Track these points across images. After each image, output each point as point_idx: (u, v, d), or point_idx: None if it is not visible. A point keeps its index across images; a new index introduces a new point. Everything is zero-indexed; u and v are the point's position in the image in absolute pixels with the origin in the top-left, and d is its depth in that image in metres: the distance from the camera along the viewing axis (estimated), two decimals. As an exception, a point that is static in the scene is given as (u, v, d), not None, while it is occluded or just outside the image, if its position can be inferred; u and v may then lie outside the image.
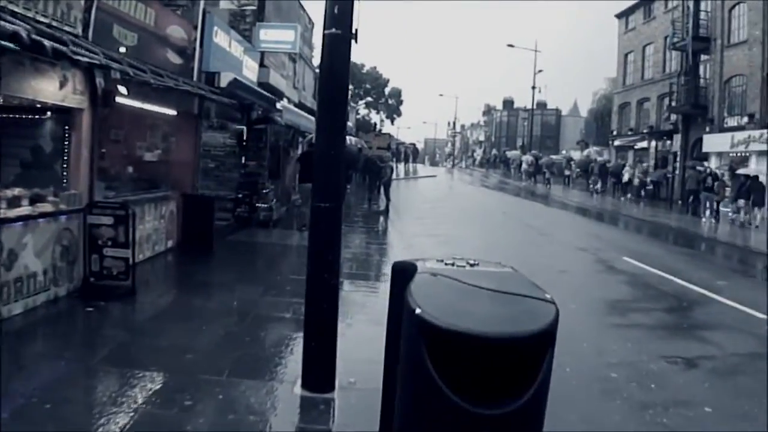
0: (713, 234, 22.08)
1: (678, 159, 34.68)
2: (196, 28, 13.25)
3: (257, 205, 16.39)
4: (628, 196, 36.08)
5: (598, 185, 39.04)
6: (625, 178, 37.01)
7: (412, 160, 56.58)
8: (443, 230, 18.03)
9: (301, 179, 16.18)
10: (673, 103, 36.14)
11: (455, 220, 21.05)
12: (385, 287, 6.04)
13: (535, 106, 58.06)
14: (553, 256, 14.86)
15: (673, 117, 37.17)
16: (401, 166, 50.32)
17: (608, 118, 55.67)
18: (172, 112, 11.99)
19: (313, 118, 17.08)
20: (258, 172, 17.05)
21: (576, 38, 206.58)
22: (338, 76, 5.64)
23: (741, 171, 26.92)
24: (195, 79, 13.09)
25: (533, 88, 54.31)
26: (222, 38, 14.58)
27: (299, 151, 22.36)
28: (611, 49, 46.83)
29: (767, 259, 16.27)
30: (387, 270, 10.44)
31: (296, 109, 21.07)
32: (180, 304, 8.90)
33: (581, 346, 7.53)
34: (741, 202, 24.88)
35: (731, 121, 31.87)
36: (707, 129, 33.01)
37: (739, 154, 30.39)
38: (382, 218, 19.40)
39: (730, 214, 25.77)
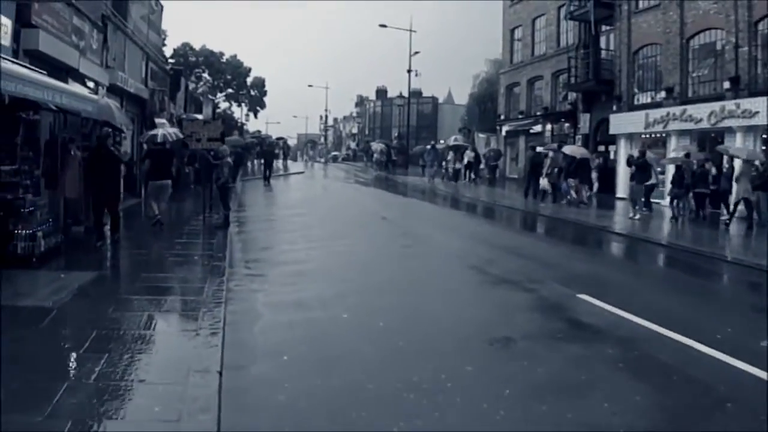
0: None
1: (590, 141, 30.34)
2: None
3: (16, 231, 10.10)
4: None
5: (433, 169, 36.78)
6: (465, 161, 36.78)
7: (284, 157, 50.30)
8: (302, 254, 12.83)
9: (152, 177, 15.12)
10: (572, 81, 31.86)
11: (319, 236, 15.69)
12: None
13: (410, 92, 52.91)
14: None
15: (572, 96, 32.99)
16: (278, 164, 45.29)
17: (492, 102, 51.78)
18: None
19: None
20: (13, 181, 10.64)
21: (453, 18, 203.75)
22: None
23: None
24: None
25: (409, 71, 49.19)
26: None
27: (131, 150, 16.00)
28: (493, 26, 42.40)
29: None
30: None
31: (78, 92, 14.46)
32: None
33: None
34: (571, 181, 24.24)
35: (643, 98, 27.80)
36: (614, 108, 28.83)
37: (655, 135, 26.32)
38: (211, 240, 13.46)
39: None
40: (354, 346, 6.93)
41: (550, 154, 26.34)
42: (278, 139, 54.66)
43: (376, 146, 51.98)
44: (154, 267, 10.78)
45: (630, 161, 20.99)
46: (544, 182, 25.81)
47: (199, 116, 29.22)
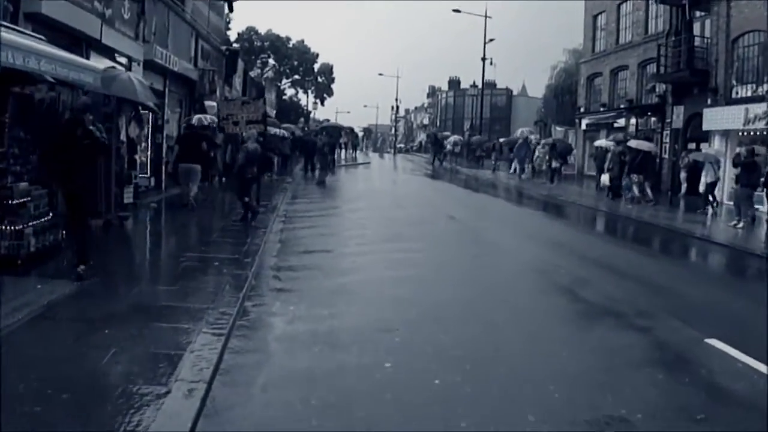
0: None
1: (679, 137, 27.39)
2: None
3: (1, 227, 8.51)
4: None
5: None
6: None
7: (351, 147, 48.65)
8: (349, 262, 10.87)
9: (181, 160, 15.20)
10: (661, 71, 28.86)
11: (373, 238, 13.82)
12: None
13: (484, 82, 50.42)
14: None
15: (660, 87, 29.96)
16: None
17: (569, 95, 48.80)
18: None
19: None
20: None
21: (530, 4, 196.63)
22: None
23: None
24: None
25: (483, 59, 46.78)
26: None
27: (135, 130, 14.45)
28: (574, 13, 39.51)
29: None
30: None
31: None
32: None
33: None
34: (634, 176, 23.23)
35: (742, 91, 24.71)
36: (708, 101, 25.80)
37: (755, 133, 23.27)
38: (244, 240, 11.55)
39: None
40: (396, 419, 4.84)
41: (611, 147, 25.52)
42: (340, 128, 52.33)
43: (451, 138, 50.38)
44: (159, 275, 9.15)
45: (736, 161, 18.13)
46: (604, 178, 25.14)
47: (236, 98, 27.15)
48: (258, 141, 18.68)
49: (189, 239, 12.41)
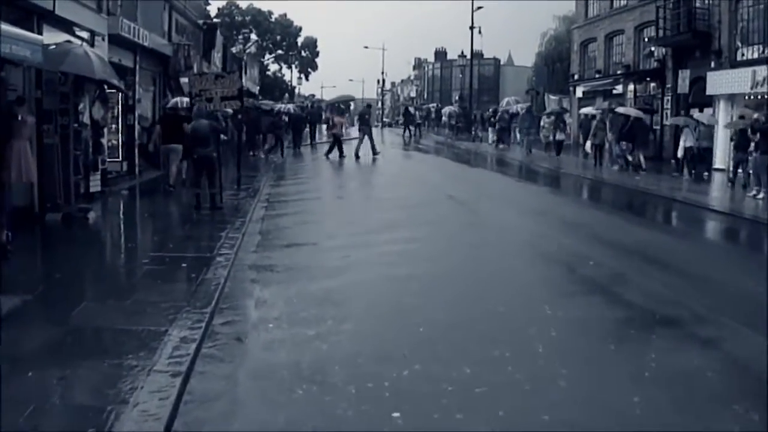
0: None
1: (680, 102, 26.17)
2: None
3: None
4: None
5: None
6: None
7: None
8: (338, 259, 9.25)
9: (163, 141, 15.54)
10: (660, 34, 27.55)
11: (365, 226, 12.35)
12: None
13: (473, 51, 48.93)
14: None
15: (659, 52, 28.68)
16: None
17: (560, 63, 47.63)
18: None
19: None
20: None
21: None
22: None
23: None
24: None
25: (471, 28, 45.25)
26: None
27: (100, 112, 13.18)
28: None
29: None
30: None
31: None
32: None
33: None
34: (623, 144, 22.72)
35: (748, 53, 23.45)
36: (712, 65, 24.54)
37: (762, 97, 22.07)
38: (221, 229, 10.36)
39: None
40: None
41: (597, 115, 25.44)
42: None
43: (446, 109, 49.51)
44: (112, 285, 7.56)
45: (755, 127, 16.88)
46: (587, 145, 24.86)
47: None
48: (236, 118, 17.32)
49: (156, 234, 11.11)
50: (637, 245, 10.47)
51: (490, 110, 41.61)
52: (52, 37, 11.79)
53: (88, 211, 11.31)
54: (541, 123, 30.27)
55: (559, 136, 28.45)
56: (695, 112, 25.22)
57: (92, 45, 13.93)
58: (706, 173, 21.49)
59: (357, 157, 24.69)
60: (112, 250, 9.92)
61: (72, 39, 11.88)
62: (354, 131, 30.60)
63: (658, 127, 28.07)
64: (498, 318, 6.67)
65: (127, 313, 6.28)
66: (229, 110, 16.17)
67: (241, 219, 11.52)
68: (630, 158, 22.61)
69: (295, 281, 8.00)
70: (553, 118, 29.23)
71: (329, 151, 25.45)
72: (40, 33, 11.45)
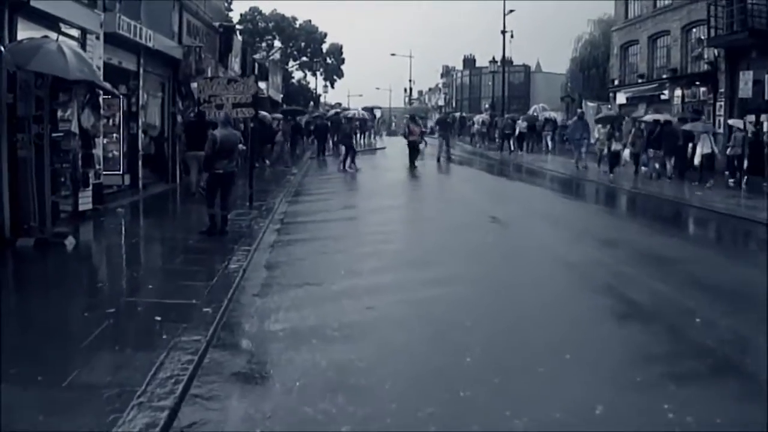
0: None
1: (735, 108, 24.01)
2: None
3: None
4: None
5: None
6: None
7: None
8: (361, 309, 7.21)
9: (188, 148, 15.06)
10: (711, 34, 25.41)
11: (398, 259, 10.25)
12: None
13: (504, 57, 46.95)
14: None
15: (709, 53, 26.51)
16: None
17: (595, 69, 45.56)
18: None
19: None
20: None
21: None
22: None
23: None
24: None
25: (503, 32, 43.36)
26: None
27: (90, 120, 11.56)
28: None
29: None
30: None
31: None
32: None
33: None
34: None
35: (815, 53, 21.34)
36: (772, 66, 22.40)
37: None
38: (223, 261, 8.63)
39: None
40: None
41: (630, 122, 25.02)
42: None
43: (477, 117, 47.43)
44: (57, 351, 5.47)
45: None
46: (626, 153, 23.85)
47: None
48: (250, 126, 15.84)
49: (140, 268, 9.26)
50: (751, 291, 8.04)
51: (506, 117, 38.83)
52: (30, 33, 10.23)
53: (66, 236, 9.59)
54: (595, 133, 27.34)
55: (615, 146, 24.10)
56: (751, 118, 23.14)
57: (83, 44, 12.33)
58: (732, 180, 20.41)
59: (439, 161, 27.50)
60: (76, 292, 7.80)
61: (49, 35, 10.19)
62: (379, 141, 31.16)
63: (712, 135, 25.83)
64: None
65: (54, 406, 4.35)
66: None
67: (245, 248, 9.67)
68: (657, 165, 21.77)
69: (299, 352, 5.79)
70: (608, 127, 25.16)
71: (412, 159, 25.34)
72: (12, 29, 9.89)
